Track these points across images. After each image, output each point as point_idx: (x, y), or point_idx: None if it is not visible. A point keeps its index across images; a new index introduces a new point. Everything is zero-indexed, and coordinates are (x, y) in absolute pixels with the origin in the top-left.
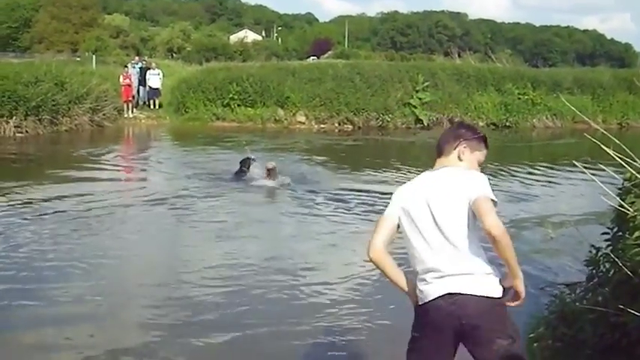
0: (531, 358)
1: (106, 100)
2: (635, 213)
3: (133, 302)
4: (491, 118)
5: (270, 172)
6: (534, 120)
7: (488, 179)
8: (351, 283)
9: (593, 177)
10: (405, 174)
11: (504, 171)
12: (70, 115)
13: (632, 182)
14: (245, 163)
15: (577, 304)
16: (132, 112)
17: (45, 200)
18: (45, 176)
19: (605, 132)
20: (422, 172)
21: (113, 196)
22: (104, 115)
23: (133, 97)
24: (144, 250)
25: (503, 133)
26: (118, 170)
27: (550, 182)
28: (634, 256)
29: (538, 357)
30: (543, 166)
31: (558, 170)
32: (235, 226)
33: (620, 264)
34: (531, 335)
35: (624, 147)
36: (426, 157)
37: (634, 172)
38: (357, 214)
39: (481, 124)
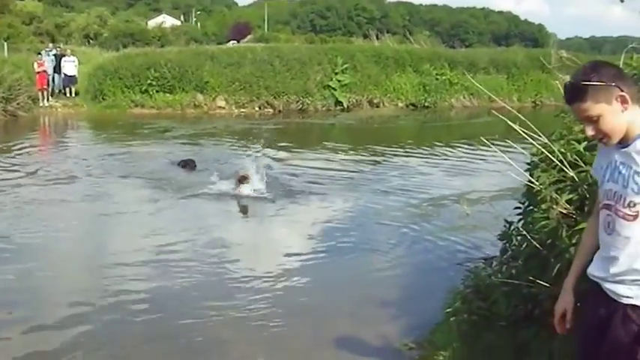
0: (448, 332)
1: (19, 89)
2: (541, 187)
3: None
4: (410, 99)
5: (243, 182)
6: (452, 100)
7: (407, 159)
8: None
9: (503, 154)
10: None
11: (423, 150)
12: None
13: (538, 157)
14: (187, 164)
15: (492, 277)
16: (47, 100)
17: None
18: None
19: (512, 110)
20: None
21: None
22: (18, 104)
23: (48, 85)
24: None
25: (422, 113)
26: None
27: (467, 160)
28: (541, 228)
29: (455, 331)
30: (461, 145)
31: (475, 148)
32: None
33: (530, 237)
34: (448, 310)
35: (530, 124)
36: (345, 138)
37: (539, 146)
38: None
39: (400, 105)
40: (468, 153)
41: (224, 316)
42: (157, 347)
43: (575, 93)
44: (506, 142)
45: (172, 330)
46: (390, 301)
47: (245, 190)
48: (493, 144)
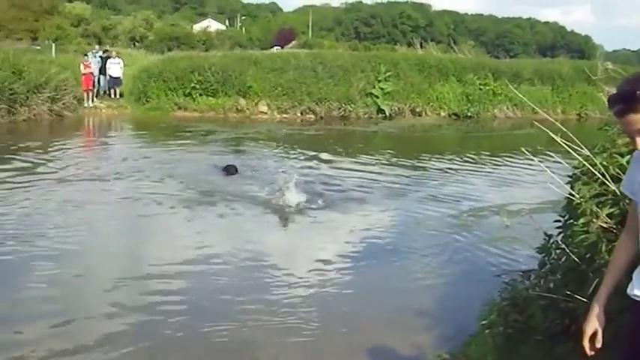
0: (483, 344)
1: (65, 90)
2: (582, 200)
3: None
4: (452, 108)
5: (286, 190)
6: (495, 110)
7: (448, 169)
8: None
9: (545, 166)
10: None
11: (465, 161)
12: (28, 105)
13: (580, 170)
14: (229, 170)
15: (529, 291)
16: (92, 101)
17: None
18: None
19: (555, 122)
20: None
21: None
22: (64, 104)
23: (94, 86)
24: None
25: (464, 123)
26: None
27: (509, 172)
28: (581, 242)
29: (490, 343)
30: (503, 156)
31: (517, 160)
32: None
33: (569, 251)
34: (483, 322)
35: (573, 137)
36: (387, 146)
37: (581, 159)
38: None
39: (443, 114)
40: (510, 164)
41: (257, 319)
42: (190, 347)
43: (629, 104)
44: (548, 154)
45: (205, 331)
46: (425, 311)
47: (288, 198)
48: (535, 156)
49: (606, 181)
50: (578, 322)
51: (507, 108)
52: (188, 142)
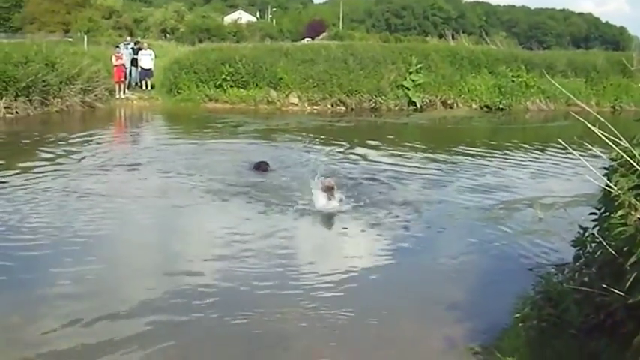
0: (516, 338)
1: (97, 81)
2: (619, 192)
3: None
4: (484, 100)
5: (329, 191)
6: (528, 102)
7: (480, 161)
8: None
9: (581, 157)
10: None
11: (498, 153)
12: (61, 96)
13: (618, 162)
14: (260, 167)
15: (563, 284)
16: (124, 92)
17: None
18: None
19: (596, 115)
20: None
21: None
22: (95, 95)
23: (125, 77)
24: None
25: (496, 115)
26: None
27: (543, 164)
28: (618, 235)
29: (523, 337)
30: (536, 149)
31: (551, 153)
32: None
33: (605, 244)
34: (517, 315)
35: (612, 128)
36: (419, 138)
37: (619, 151)
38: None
39: (474, 106)
40: (543, 157)
41: (290, 312)
42: (222, 339)
43: None
44: (583, 146)
45: (238, 324)
46: (458, 304)
47: (329, 200)
48: (570, 147)
49: None
50: (614, 317)
51: (540, 100)
52: (218, 134)
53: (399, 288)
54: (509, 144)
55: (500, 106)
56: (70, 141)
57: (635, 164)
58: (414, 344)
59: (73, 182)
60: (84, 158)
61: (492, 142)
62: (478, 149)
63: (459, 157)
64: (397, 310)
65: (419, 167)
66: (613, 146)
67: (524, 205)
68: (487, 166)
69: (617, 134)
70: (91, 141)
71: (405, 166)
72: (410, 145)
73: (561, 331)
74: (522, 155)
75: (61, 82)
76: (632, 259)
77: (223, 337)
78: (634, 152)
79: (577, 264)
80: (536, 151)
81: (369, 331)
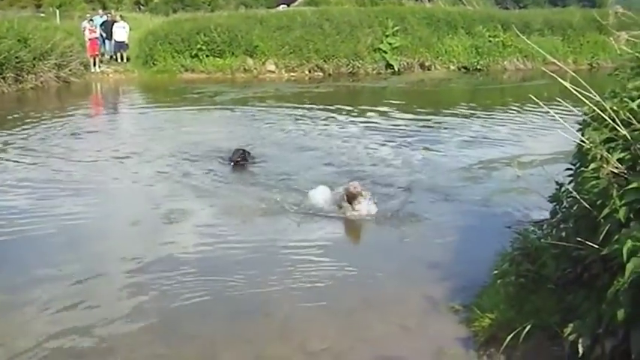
0: (495, 294)
1: (71, 56)
2: (591, 145)
3: None
4: (462, 61)
5: (353, 198)
6: (505, 62)
7: (459, 122)
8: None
9: (556, 114)
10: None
11: (476, 113)
12: (35, 72)
13: (590, 115)
14: (236, 154)
15: (541, 240)
16: (99, 66)
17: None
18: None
19: (571, 72)
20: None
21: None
22: (70, 70)
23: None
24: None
25: (474, 76)
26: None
27: (521, 123)
28: (591, 188)
29: (502, 293)
30: (514, 108)
31: (529, 111)
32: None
33: (580, 198)
34: (495, 272)
35: (584, 83)
36: (397, 100)
37: (591, 104)
38: None
39: (452, 67)
40: (522, 115)
41: (271, 281)
42: (204, 305)
43: None
44: (559, 104)
45: (219, 291)
46: (439, 264)
47: (358, 209)
48: (546, 106)
49: (617, 126)
50: (591, 270)
51: (517, 60)
52: (197, 105)
53: (379, 250)
54: (488, 104)
55: (478, 67)
56: (44, 118)
57: (606, 117)
58: (395, 305)
59: (49, 159)
60: (59, 135)
61: (471, 103)
62: (456, 110)
63: (438, 119)
64: (378, 272)
65: (399, 129)
66: (585, 100)
67: (502, 163)
68: (466, 126)
69: (589, 88)
70: (66, 116)
71: (385, 129)
72: (389, 108)
73: (539, 286)
74: (500, 115)
75: (34, 58)
76: (605, 211)
77: (205, 303)
78: (605, 105)
79: (554, 220)
80: (514, 111)
81: (351, 295)
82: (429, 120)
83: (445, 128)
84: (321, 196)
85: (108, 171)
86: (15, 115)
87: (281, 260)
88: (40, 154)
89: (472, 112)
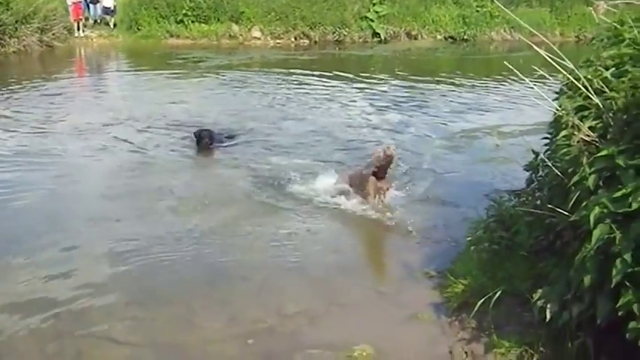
0: (469, 261)
1: (54, 20)
2: (563, 112)
3: None
4: (449, 31)
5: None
6: (492, 33)
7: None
8: None
9: (541, 87)
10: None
11: (462, 83)
12: (18, 36)
13: (566, 84)
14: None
15: (515, 208)
16: (82, 31)
17: None
18: None
19: (551, 45)
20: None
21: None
22: (54, 35)
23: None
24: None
25: (461, 46)
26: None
27: (504, 94)
28: (563, 156)
29: (475, 260)
30: (499, 79)
31: (514, 82)
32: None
33: (552, 166)
34: (469, 239)
35: (559, 52)
36: (384, 69)
37: (565, 73)
38: None
39: (439, 37)
40: (506, 86)
41: (249, 247)
42: (183, 268)
43: None
44: (545, 76)
45: (198, 255)
46: (418, 231)
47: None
48: (531, 77)
49: (590, 95)
50: (563, 238)
51: (504, 30)
52: (180, 72)
53: (357, 217)
54: (473, 74)
55: (465, 37)
56: (24, 82)
57: (580, 85)
58: (371, 272)
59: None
60: (34, 101)
61: (456, 73)
62: (441, 79)
63: (422, 87)
64: (354, 239)
65: (383, 97)
66: (560, 69)
67: (483, 133)
68: (449, 95)
69: (563, 56)
70: (47, 81)
71: (369, 97)
72: (374, 76)
73: (512, 253)
74: (485, 85)
75: (16, 22)
76: (575, 178)
77: (183, 270)
78: (579, 74)
79: (530, 188)
80: (498, 81)
81: (327, 262)
82: (413, 89)
83: (429, 97)
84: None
85: (76, 141)
86: None
87: (259, 229)
88: (14, 122)
89: (457, 81)
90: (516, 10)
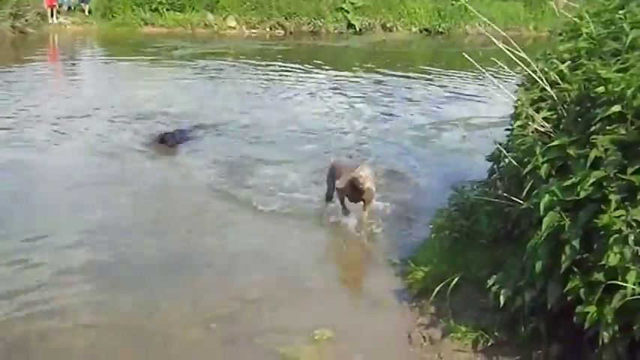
0: (431, 249)
1: (27, 5)
2: (519, 104)
3: None
4: (424, 24)
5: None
6: (467, 26)
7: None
8: None
9: (493, 78)
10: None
11: (435, 76)
12: None
13: (526, 77)
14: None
15: (476, 197)
16: (56, 17)
17: None
18: None
19: (509, 38)
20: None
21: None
22: (26, 21)
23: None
24: None
25: (436, 39)
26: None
27: (475, 87)
28: (519, 146)
29: (437, 247)
30: (470, 72)
31: (484, 75)
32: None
33: (508, 155)
34: (431, 226)
35: (516, 46)
36: (358, 60)
37: (523, 66)
38: None
39: (414, 29)
40: (477, 79)
41: (214, 235)
42: (148, 254)
43: None
44: (512, 70)
45: (163, 243)
46: (381, 219)
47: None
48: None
49: (545, 87)
50: (520, 226)
51: (479, 24)
52: (153, 61)
53: (323, 207)
54: (445, 67)
55: (440, 30)
56: None
57: (536, 77)
58: (335, 259)
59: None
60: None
61: (429, 65)
62: (414, 71)
63: (395, 79)
64: (320, 228)
65: (355, 88)
66: (519, 62)
67: (451, 125)
68: (422, 87)
69: (520, 51)
70: (17, 69)
71: (342, 87)
72: (347, 66)
73: (473, 241)
74: (456, 78)
75: None
76: (529, 167)
77: (148, 257)
78: (535, 67)
79: (491, 178)
80: (469, 74)
81: (292, 249)
82: (386, 80)
83: (402, 89)
84: None
85: (43, 130)
86: None
87: (223, 218)
88: None
89: (430, 74)
90: (492, 4)
